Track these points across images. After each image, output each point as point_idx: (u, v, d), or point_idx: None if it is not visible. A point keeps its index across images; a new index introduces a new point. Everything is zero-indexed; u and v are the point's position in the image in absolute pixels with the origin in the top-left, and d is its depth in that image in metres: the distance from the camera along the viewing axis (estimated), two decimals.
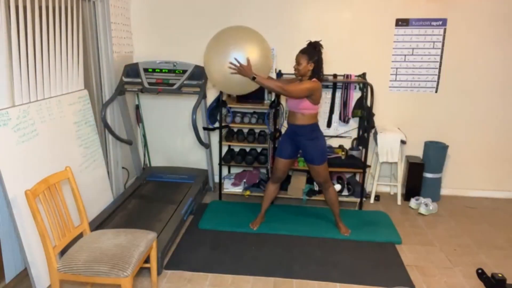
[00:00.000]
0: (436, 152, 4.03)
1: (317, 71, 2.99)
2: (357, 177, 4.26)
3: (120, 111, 3.88)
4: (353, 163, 3.83)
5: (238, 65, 2.85)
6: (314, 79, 2.99)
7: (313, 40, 3.04)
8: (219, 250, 3.10)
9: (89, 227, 2.46)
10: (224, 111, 3.95)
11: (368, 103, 3.90)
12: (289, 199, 4.02)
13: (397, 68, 4.06)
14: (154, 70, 3.65)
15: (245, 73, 2.87)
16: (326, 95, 4.11)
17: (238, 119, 3.91)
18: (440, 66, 4.02)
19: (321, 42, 2.99)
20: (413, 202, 3.98)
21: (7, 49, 2.41)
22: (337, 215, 3.40)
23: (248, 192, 3.99)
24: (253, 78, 2.87)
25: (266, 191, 3.44)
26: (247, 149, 4.23)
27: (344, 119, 4.14)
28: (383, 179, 4.33)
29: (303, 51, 2.97)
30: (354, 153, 4.00)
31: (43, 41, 2.76)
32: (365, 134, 3.90)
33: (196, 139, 3.89)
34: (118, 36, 3.82)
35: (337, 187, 3.85)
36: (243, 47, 2.91)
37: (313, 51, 2.95)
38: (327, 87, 4.08)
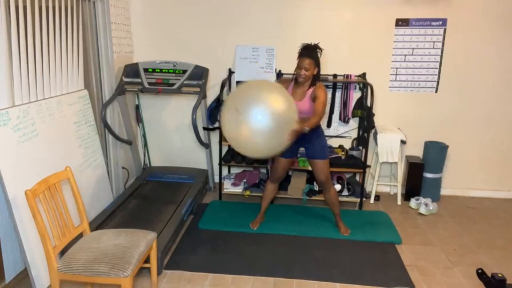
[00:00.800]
0: (436, 152, 4.03)
1: (318, 75, 3.00)
2: (357, 177, 4.26)
3: (120, 111, 3.88)
4: (353, 163, 3.83)
5: (295, 134, 2.79)
6: (319, 83, 2.99)
7: (306, 42, 3.01)
8: (219, 250, 3.10)
9: (89, 227, 2.46)
10: None
11: (368, 103, 3.90)
12: (289, 199, 4.02)
13: (397, 68, 4.06)
14: (154, 70, 3.65)
15: (301, 132, 2.83)
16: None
17: None
18: (440, 66, 4.02)
19: (319, 44, 2.97)
20: (413, 202, 3.98)
21: (7, 49, 2.41)
22: (338, 215, 3.40)
23: (248, 192, 3.99)
24: (309, 130, 2.87)
25: (265, 190, 3.44)
26: None
27: (344, 119, 4.14)
28: (383, 179, 4.33)
29: (309, 56, 2.89)
30: (354, 153, 4.00)
31: (43, 41, 2.76)
32: (365, 134, 3.90)
33: (196, 139, 3.89)
34: (118, 36, 3.82)
35: (337, 187, 3.85)
36: (267, 107, 2.75)
37: (316, 54, 2.93)
38: (327, 87, 4.07)
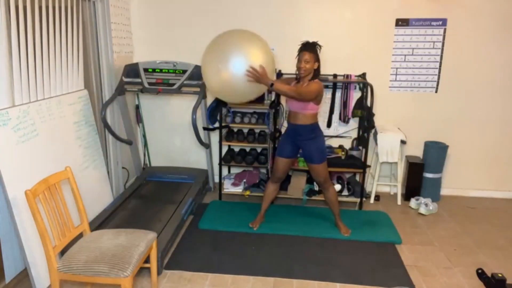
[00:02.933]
0: (436, 152, 4.03)
1: (319, 71, 3.01)
2: (357, 177, 4.26)
3: (120, 111, 3.88)
4: (353, 163, 3.83)
5: (255, 72, 2.75)
6: (317, 80, 2.99)
7: (305, 40, 3.02)
8: (219, 250, 3.10)
9: (89, 227, 2.46)
10: (224, 111, 3.95)
11: (368, 103, 3.90)
12: (289, 199, 4.02)
13: (397, 68, 4.06)
14: (154, 70, 3.65)
15: (263, 81, 2.79)
16: (326, 95, 4.10)
17: (238, 119, 3.90)
18: (440, 66, 4.02)
19: (319, 43, 2.99)
20: (413, 202, 3.98)
21: (7, 49, 2.41)
22: (337, 215, 3.40)
23: (248, 192, 3.99)
24: (271, 85, 2.81)
25: (265, 191, 3.44)
26: (247, 149, 4.23)
27: (344, 119, 4.14)
28: (383, 179, 4.33)
29: (309, 50, 2.92)
30: (354, 153, 4.00)
31: (43, 41, 2.76)
32: (365, 134, 3.90)
33: (196, 139, 3.89)
34: (118, 36, 3.82)
35: (337, 187, 3.85)
36: (247, 52, 2.81)
37: (316, 50, 2.95)
38: (327, 87, 4.07)
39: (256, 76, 2.77)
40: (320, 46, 2.98)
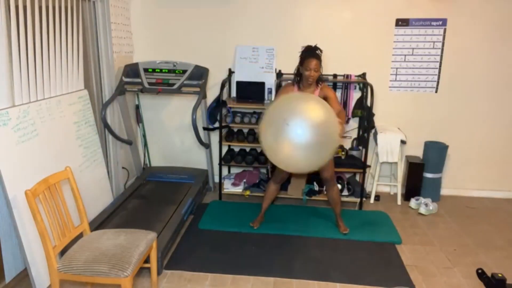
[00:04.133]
0: (436, 152, 4.03)
1: (321, 75, 3.04)
2: (357, 177, 4.26)
3: (120, 111, 3.88)
4: (353, 163, 3.84)
5: (342, 129, 2.74)
6: (323, 83, 3.03)
7: (305, 44, 3.03)
8: (219, 250, 3.10)
9: (89, 227, 2.46)
10: (224, 111, 3.95)
11: (368, 103, 3.90)
12: (289, 199, 4.02)
13: (397, 68, 4.06)
14: (154, 70, 3.65)
15: (343, 127, 2.80)
16: None
17: (238, 119, 3.90)
18: (440, 66, 4.02)
19: (318, 45, 3.00)
20: (413, 202, 3.98)
21: (7, 49, 2.41)
22: (338, 214, 3.41)
23: (248, 192, 3.99)
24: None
25: (267, 190, 3.43)
26: (247, 149, 4.23)
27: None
28: (383, 179, 4.33)
29: (316, 56, 2.92)
30: (354, 153, 4.00)
31: (43, 41, 2.76)
32: (365, 134, 3.90)
33: (196, 139, 3.89)
34: (118, 36, 3.82)
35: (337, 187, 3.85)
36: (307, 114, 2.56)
37: (319, 56, 2.97)
38: None
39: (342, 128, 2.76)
40: (321, 50, 2.99)
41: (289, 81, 3.20)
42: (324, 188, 3.95)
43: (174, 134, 4.47)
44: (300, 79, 3.06)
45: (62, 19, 2.99)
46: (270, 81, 4.04)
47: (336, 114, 2.75)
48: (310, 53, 2.93)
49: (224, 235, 3.32)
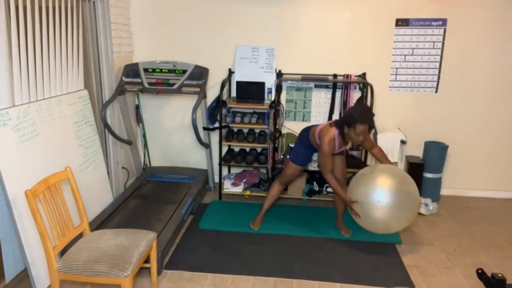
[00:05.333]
0: (436, 152, 4.03)
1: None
2: None
3: (120, 111, 3.88)
4: (353, 163, 3.84)
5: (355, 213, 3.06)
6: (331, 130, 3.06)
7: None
8: (219, 250, 3.10)
9: (89, 227, 2.46)
10: (224, 111, 3.95)
11: (368, 103, 3.90)
12: (289, 199, 4.02)
13: (397, 68, 4.06)
14: (154, 70, 3.65)
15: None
16: (326, 95, 4.11)
17: (238, 119, 3.91)
18: (440, 66, 4.02)
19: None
20: None
21: (7, 49, 2.41)
22: (341, 215, 3.41)
23: (248, 192, 3.99)
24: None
25: (270, 190, 3.41)
26: (247, 149, 4.23)
27: None
28: None
29: (372, 126, 2.98)
30: (354, 153, 4.00)
31: (43, 41, 2.76)
32: None
33: (196, 139, 3.89)
34: (118, 36, 3.82)
35: None
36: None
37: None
38: (327, 87, 4.08)
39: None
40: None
41: (331, 125, 3.06)
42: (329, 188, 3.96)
43: (174, 134, 4.47)
44: (343, 133, 2.98)
45: (62, 19, 2.99)
46: (270, 81, 4.04)
47: (381, 155, 3.20)
48: (369, 121, 2.89)
49: (224, 235, 3.32)
